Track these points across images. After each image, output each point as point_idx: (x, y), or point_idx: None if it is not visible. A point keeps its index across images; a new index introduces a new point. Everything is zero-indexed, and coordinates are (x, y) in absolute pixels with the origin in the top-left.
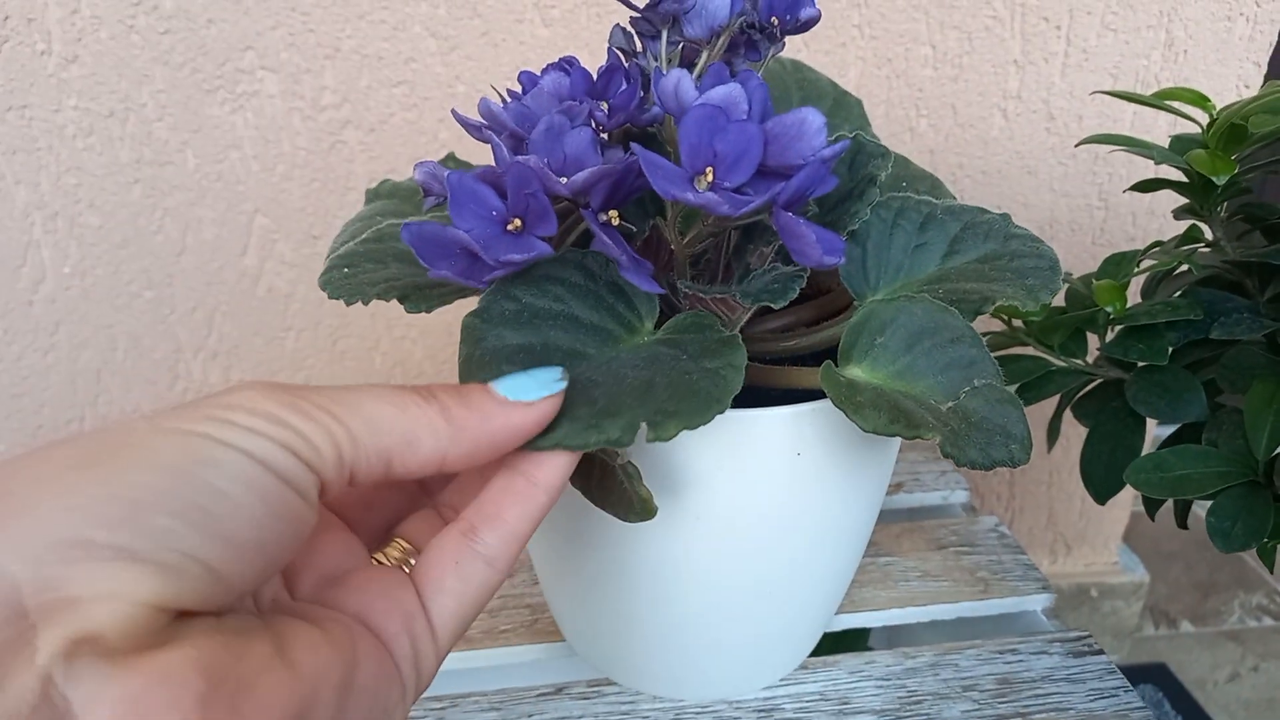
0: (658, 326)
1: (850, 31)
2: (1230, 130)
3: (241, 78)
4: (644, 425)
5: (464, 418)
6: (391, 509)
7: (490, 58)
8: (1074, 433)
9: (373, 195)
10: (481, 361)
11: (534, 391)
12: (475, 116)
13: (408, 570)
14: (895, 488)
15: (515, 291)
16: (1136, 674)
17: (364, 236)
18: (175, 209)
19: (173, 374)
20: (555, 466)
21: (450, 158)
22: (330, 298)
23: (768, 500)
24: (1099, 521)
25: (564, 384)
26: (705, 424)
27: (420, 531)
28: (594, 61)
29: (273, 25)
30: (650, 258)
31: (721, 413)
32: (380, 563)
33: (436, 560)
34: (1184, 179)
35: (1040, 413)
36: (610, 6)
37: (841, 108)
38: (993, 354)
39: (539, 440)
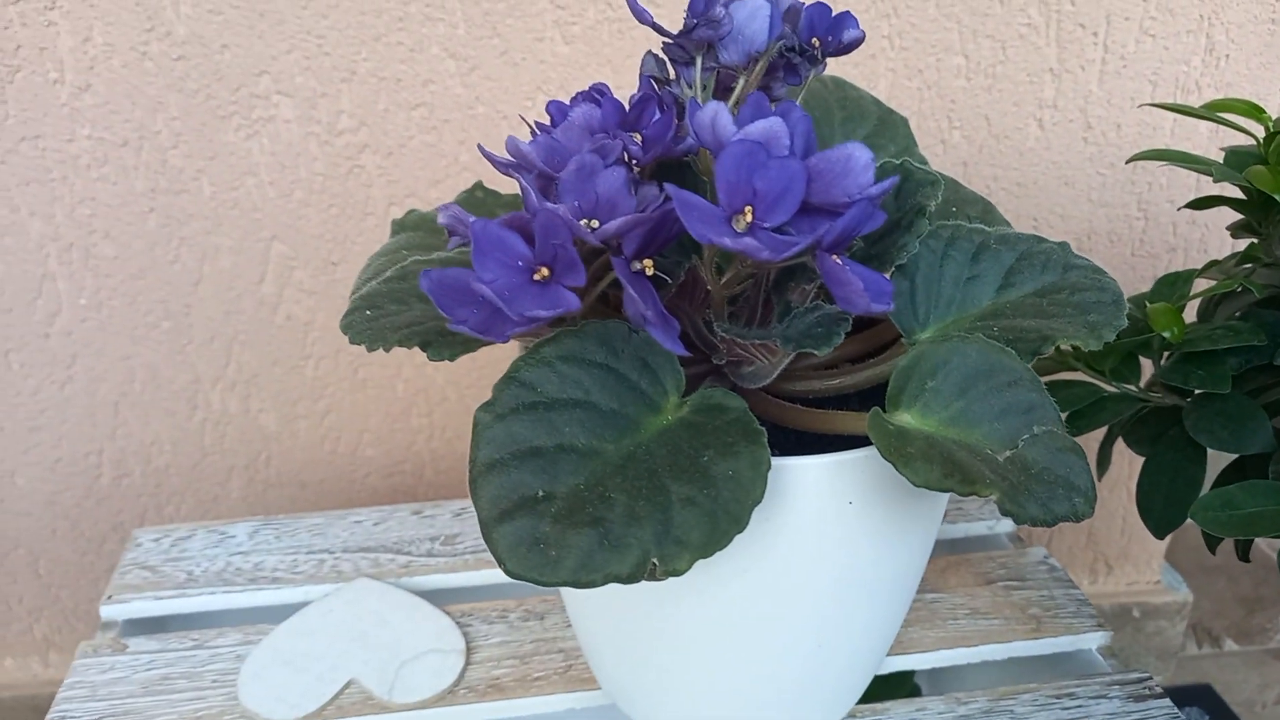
0: (687, 391)
1: (879, 43)
2: None
3: (257, 103)
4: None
5: None
6: None
7: (510, 77)
8: (1115, 448)
9: (398, 226)
10: (490, 468)
11: None
12: (497, 140)
13: None
14: None
15: (528, 376)
16: (1182, 696)
17: (387, 275)
18: (191, 238)
19: (191, 405)
20: None
21: (478, 187)
22: (351, 343)
23: (817, 550)
24: (1142, 540)
25: None
26: (722, 550)
27: None
28: (617, 79)
29: (288, 49)
30: (686, 297)
31: (741, 532)
32: None
33: None
34: (1240, 195)
35: (1087, 438)
36: (633, 23)
37: (886, 127)
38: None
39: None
